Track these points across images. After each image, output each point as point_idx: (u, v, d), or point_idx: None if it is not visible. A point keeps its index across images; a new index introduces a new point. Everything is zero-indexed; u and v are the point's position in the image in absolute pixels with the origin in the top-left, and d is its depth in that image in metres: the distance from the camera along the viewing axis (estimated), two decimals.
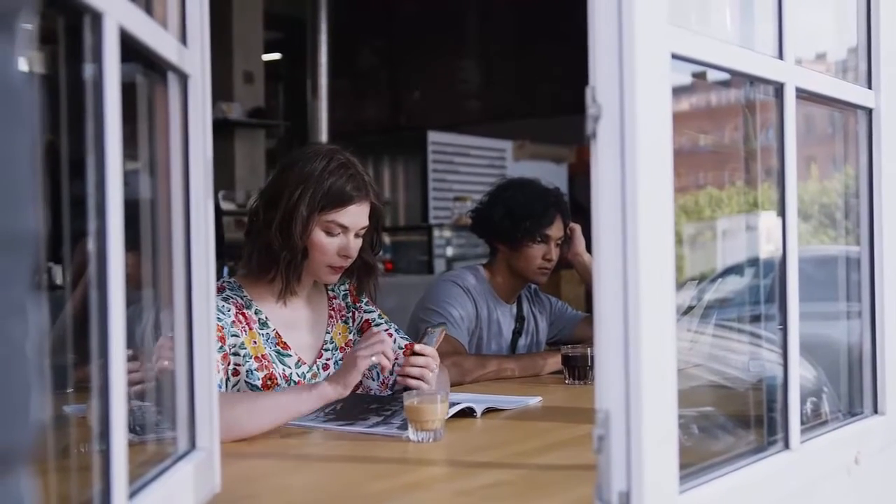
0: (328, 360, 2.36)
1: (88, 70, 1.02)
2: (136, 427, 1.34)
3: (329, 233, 2.24)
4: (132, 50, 1.13)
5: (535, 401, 2.41)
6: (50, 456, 1.07)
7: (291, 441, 1.95)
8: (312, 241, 2.24)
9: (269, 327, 2.27)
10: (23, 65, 0.62)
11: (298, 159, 2.25)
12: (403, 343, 2.44)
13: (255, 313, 2.26)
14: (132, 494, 1.09)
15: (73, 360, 1.20)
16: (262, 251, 2.25)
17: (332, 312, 2.42)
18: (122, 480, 1.03)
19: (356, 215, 2.26)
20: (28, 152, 0.60)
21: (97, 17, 1.01)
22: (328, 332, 2.39)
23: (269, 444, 1.93)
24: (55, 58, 1.07)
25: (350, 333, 2.44)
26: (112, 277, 1.02)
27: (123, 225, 1.04)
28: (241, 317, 2.22)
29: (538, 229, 3.04)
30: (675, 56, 1.28)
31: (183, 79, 1.37)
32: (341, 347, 2.40)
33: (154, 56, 1.24)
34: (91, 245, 1.02)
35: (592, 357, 2.73)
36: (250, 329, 2.23)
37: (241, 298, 2.26)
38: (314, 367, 2.32)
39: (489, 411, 2.23)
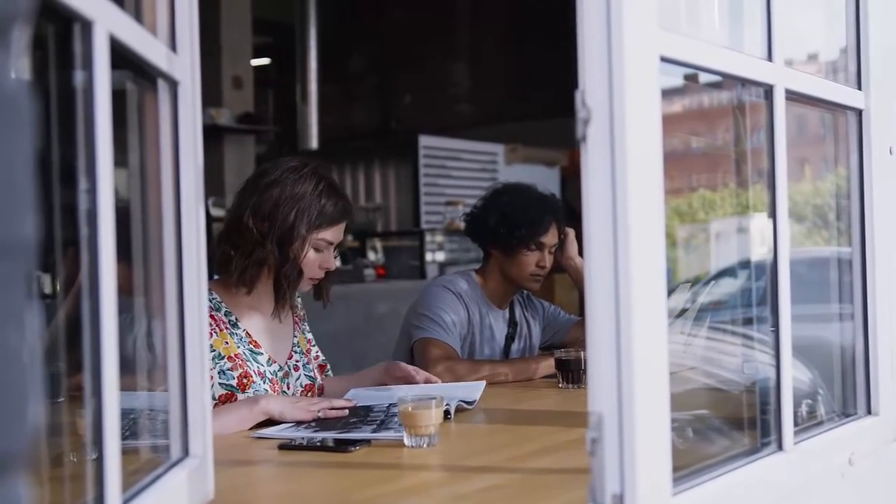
0: (297, 361, 2.47)
1: (78, 77, 1.02)
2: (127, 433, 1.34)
3: (317, 249, 2.35)
4: (121, 57, 1.13)
5: (480, 385, 2.46)
6: (43, 464, 1.07)
7: (285, 449, 1.95)
8: (304, 259, 2.33)
9: (240, 328, 2.34)
10: (19, 72, 0.62)
11: (284, 178, 2.32)
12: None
13: (225, 315, 2.33)
14: (126, 501, 1.09)
15: (65, 369, 1.20)
16: (255, 265, 2.31)
17: (297, 319, 2.53)
18: (115, 488, 1.03)
19: (341, 232, 2.40)
20: (26, 159, 0.61)
21: (87, 25, 1.01)
22: (295, 336, 2.50)
23: (262, 451, 1.92)
24: (44, 64, 1.07)
25: (307, 342, 2.55)
26: (104, 284, 1.02)
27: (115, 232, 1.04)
28: (210, 319, 2.26)
29: (533, 237, 3.02)
30: (664, 59, 1.28)
31: (173, 86, 1.36)
32: (305, 352, 2.51)
33: (144, 63, 1.23)
34: (82, 253, 1.02)
35: (586, 360, 2.73)
36: (221, 331, 2.29)
37: (211, 301, 2.30)
38: (285, 367, 2.42)
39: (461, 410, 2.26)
